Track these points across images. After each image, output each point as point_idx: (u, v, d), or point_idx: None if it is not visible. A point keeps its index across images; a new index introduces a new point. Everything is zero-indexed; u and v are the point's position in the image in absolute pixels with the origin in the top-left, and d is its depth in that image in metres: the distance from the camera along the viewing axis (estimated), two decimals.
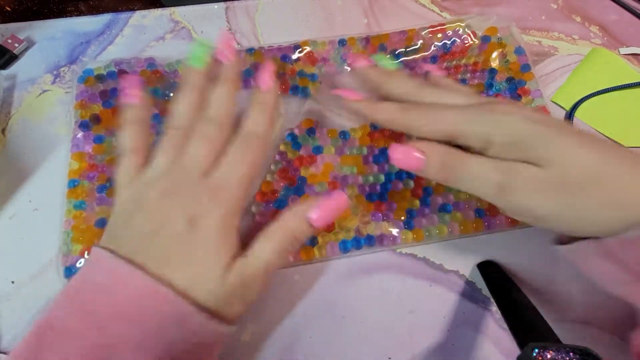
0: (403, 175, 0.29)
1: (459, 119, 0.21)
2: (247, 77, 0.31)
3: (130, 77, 0.25)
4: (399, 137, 0.30)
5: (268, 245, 0.22)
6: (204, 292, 0.20)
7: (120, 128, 0.24)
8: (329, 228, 0.27)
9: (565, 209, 0.19)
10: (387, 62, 0.26)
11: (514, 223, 0.28)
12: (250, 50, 0.32)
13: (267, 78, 0.24)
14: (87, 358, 0.18)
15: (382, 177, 0.29)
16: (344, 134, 0.30)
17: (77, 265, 0.26)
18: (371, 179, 0.29)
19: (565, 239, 0.22)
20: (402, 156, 0.21)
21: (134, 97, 0.24)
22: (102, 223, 0.27)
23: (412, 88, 0.24)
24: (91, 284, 0.20)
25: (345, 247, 0.27)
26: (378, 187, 0.28)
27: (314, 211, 0.22)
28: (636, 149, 0.31)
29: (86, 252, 0.26)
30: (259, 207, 0.28)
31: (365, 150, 0.30)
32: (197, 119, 0.23)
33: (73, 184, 0.28)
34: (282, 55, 0.32)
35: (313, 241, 0.27)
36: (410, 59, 0.32)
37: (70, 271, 0.26)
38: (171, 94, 0.30)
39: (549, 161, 0.19)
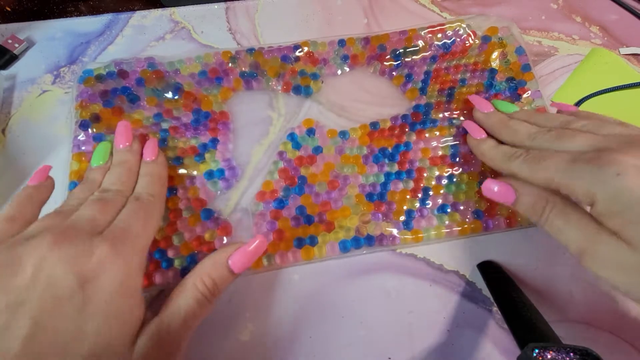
0: (402, 175, 0.29)
1: (561, 174, 0.20)
2: (249, 77, 0.31)
3: (41, 169, 0.24)
4: (400, 136, 0.30)
5: (188, 296, 0.20)
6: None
7: (11, 200, 0.22)
8: (329, 227, 0.27)
9: None
10: (505, 106, 0.27)
11: (512, 224, 0.28)
12: (250, 50, 0.32)
13: (149, 151, 0.26)
14: None
15: (382, 177, 0.29)
16: (343, 134, 0.30)
17: None
18: (371, 178, 0.29)
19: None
20: (496, 190, 0.23)
21: (36, 180, 0.23)
22: None
23: (525, 137, 0.24)
24: None
25: (345, 247, 0.27)
26: (378, 187, 0.28)
27: (233, 257, 0.22)
28: None
29: None
30: (259, 207, 0.28)
31: (365, 150, 0.30)
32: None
33: (74, 186, 0.28)
34: (283, 56, 0.32)
35: (313, 241, 0.27)
36: (410, 60, 0.32)
37: None
38: (169, 93, 0.30)
39: (636, 244, 0.17)
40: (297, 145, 0.29)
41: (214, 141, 0.29)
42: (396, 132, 0.30)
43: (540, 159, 0.21)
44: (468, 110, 0.30)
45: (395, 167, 0.29)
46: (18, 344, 0.15)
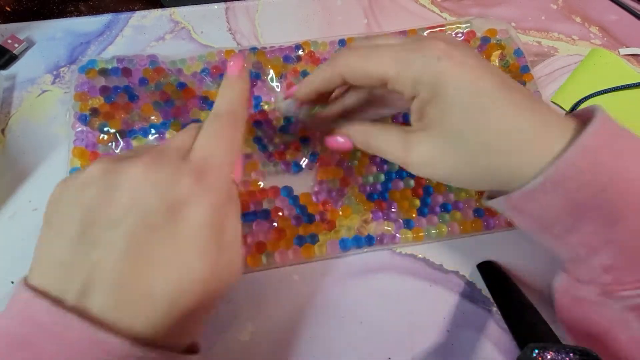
0: (404, 174, 0.29)
1: (394, 60, 0.20)
2: (253, 77, 0.31)
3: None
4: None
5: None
6: (194, 290, 0.16)
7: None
8: (331, 227, 0.27)
9: (453, 173, 0.21)
10: None
11: (512, 223, 0.28)
12: (253, 50, 0.32)
13: (234, 64, 0.23)
14: None
15: (382, 177, 0.29)
16: None
17: None
18: (371, 179, 0.29)
19: (494, 194, 0.23)
20: (339, 140, 0.24)
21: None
22: None
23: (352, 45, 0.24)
24: (8, 339, 0.15)
25: (345, 246, 0.27)
26: (379, 187, 0.29)
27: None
28: None
29: None
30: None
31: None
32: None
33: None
34: (285, 56, 0.32)
35: (314, 239, 0.27)
36: None
37: None
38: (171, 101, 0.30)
39: (448, 129, 0.20)
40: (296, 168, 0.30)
41: None
42: None
43: (372, 49, 0.21)
44: None
45: (396, 166, 0.29)
46: (113, 259, 0.16)
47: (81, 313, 0.15)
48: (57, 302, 0.15)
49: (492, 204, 0.22)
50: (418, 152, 0.21)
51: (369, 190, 0.28)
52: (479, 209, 0.28)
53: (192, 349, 0.18)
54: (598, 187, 0.18)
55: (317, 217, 0.28)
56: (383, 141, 0.23)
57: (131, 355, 0.15)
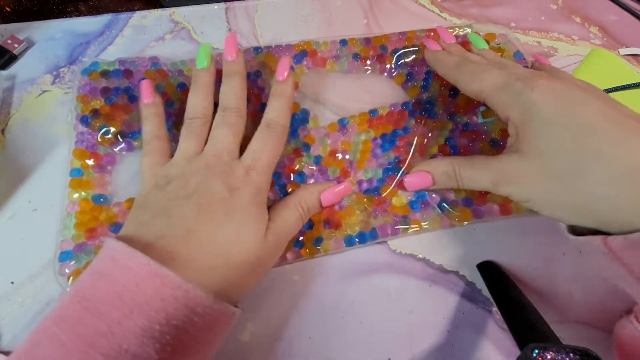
0: (403, 172, 0.29)
1: (494, 85, 0.23)
2: (255, 77, 0.31)
3: (144, 83, 0.28)
4: (398, 122, 0.30)
5: (290, 213, 0.25)
6: (246, 250, 0.21)
7: (143, 123, 0.27)
8: (337, 227, 0.27)
9: (548, 196, 0.21)
10: (477, 41, 0.30)
11: (506, 212, 0.28)
12: (257, 50, 0.32)
13: (282, 70, 0.27)
14: (89, 346, 0.17)
15: (380, 173, 0.29)
16: (342, 121, 0.30)
17: (74, 250, 0.26)
18: (370, 173, 0.29)
19: (578, 229, 0.22)
20: (416, 179, 0.27)
21: (148, 98, 0.27)
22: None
23: (476, 59, 0.27)
24: (92, 273, 0.19)
25: (350, 242, 0.27)
26: (375, 182, 0.29)
27: (325, 193, 0.26)
28: None
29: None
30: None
31: (362, 136, 0.30)
32: (212, 111, 0.27)
33: (76, 172, 0.28)
34: (295, 55, 0.32)
35: (318, 242, 0.27)
36: (411, 58, 0.32)
37: (66, 255, 0.26)
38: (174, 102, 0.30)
39: (540, 151, 0.20)
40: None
41: None
42: (395, 118, 0.30)
43: (482, 70, 0.25)
44: (472, 108, 0.30)
45: (392, 155, 0.29)
46: (193, 215, 0.21)
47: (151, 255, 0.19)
48: (131, 245, 0.19)
49: (581, 242, 0.20)
50: (510, 172, 0.22)
51: (365, 187, 0.29)
52: (467, 198, 0.28)
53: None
54: None
55: (322, 224, 0.28)
56: (468, 168, 0.24)
57: (181, 287, 0.18)
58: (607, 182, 0.18)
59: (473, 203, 0.28)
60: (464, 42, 0.32)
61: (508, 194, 0.22)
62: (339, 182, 0.27)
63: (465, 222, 0.28)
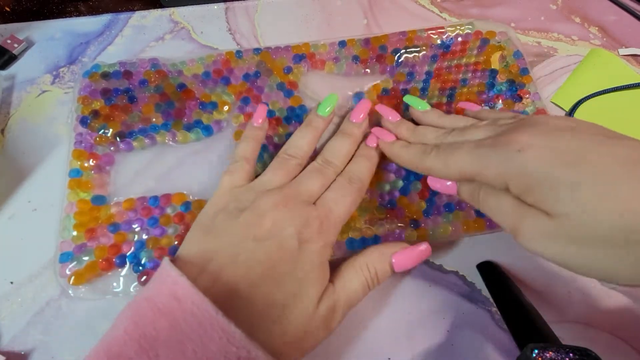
0: (411, 178, 0.29)
1: (471, 163, 0.21)
2: (255, 77, 0.31)
3: (261, 107, 0.28)
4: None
5: (355, 277, 0.23)
6: (300, 313, 0.20)
7: (240, 140, 0.27)
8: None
9: (586, 261, 0.17)
10: (416, 102, 0.29)
11: None
12: (257, 51, 0.32)
13: (374, 138, 0.27)
14: None
15: (400, 182, 0.29)
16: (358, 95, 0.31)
17: (74, 252, 0.26)
18: (387, 187, 0.29)
19: None
20: (439, 185, 0.24)
21: (258, 121, 0.28)
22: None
23: (432, 139, 0.25)
24: (152, 306, 0.18)
25: (352, 247, 0.27)
26: (386, 197, 0.28)
27: (397, 256, 0.24)
28: None
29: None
30: None
31: None
32: (310, 154, 0.27)
33: (75, 173, 0.28)
34: (294, 56, 0.32)
35: None
36: (411, 57, 0.32)
37: (66, 257, 0.26)
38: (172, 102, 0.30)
39: (558, 213, 0.17)
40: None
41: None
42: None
43: (450, 152, 0.22)
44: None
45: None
46: (259, 267, 0.20)
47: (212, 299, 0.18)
48: (191, 268, 0.19)
49: (628, 290, 0.19)
50: (530, 228, 0.19)
51: (379, 198, 0.28)
52: None
53: None
54: None
55: None
56: (495, 200, 0.21)
57: (245, 347, 0.17)
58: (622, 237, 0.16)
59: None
60: (465, 42, 0.33)
61: (529, 249, 0.19)
62: (413, 245, 0.24)
63: (477, 232, 0.28)
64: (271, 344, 0.19)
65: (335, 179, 0.25)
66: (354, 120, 0.28)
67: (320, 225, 0.22)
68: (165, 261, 0.19)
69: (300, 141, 0.27)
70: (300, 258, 0.21)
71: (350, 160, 0.27)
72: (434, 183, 0.24)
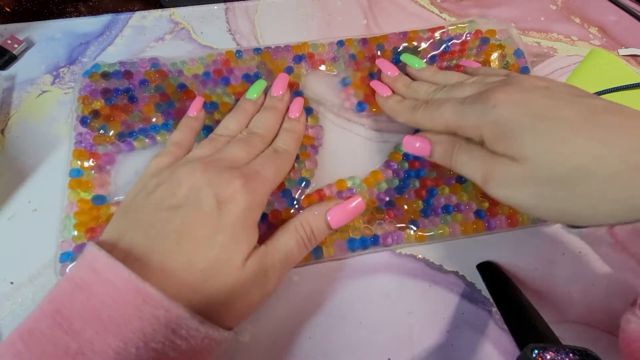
0: (412, 173, 0.29)
1: (453, 116, 0.23)
2: (256, 78, 0.31)
3: (197, 99, 0.29)
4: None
5: (289, 236, 0.23)
6: (223, 276, 0.20)
7: (175, 129, 0.27)
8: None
9: (546, 202, 0.20)
10: (412, 60, 0.31)
11: (513, 224, 0.28)
12: (257, 51, 0.32)
13: (296, 109, 0.29)
14: None
15: (396, 182, 0.29)
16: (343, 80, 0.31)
17: (74, 252, 0.26)
18: (384, 185, 0.29)
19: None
20: (417, 145, 0.25)
21: (194, 112, 0.28)
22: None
23: (425, 94, 0.27)
24: (70, 282, 0.18)
25: (352, 247, 0.27)
26: (385, 198, 0.28)
27: (332, 212, 0.24)
28: None
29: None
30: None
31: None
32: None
33: (75, 173, 0.28)
34: (294, 56, 0.32)
35: (317, 252, 0.27)
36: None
37: (67, 256, 0.26)
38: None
39: (524, 157, 0.20)
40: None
41: None
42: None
43: (436, 107, 0.25)
44: None
45: (406, 165, 0.29)
46: (173, 235, 0.20)
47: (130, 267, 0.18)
48: (112, 253, 0.18)
49: (584, 233, 0.20)
50: (499, 173, 0.21)
51: (377, 197, 0.28)
52: (479, 210, 0.28)
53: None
54: None
55: None
56: (467, 155, 0.23)
57: (163, 306, 0.17)
58: (597, 182, 0.18)
59: (485, 215, 0.28)
60: (464, 42, 0.33)
61: (496, 195, 0.21)
62: (347, 200, 0.25)
63: (475, 234, 0.28)
64: (201, 305, 0.19)
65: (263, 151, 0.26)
66: (275, 94, 0.29)
67: (243, 184, 0.22)
68: (89, 243, 0.19)
69: (229, 122, 0.27)
70: (220, 220, 0.20)
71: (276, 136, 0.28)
72: (408, 146, 0.26)
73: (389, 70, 0.30)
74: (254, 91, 0.29)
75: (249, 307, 0.21)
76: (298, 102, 0.29)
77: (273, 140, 0.27)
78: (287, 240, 0.23)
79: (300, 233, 0.24)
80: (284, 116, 0.29)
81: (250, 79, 0.31)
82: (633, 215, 0.17)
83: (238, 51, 0.32)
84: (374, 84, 0.31)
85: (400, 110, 0.28)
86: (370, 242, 0.27)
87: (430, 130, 0.26)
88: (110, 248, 0.19)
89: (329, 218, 0.24)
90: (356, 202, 0.25)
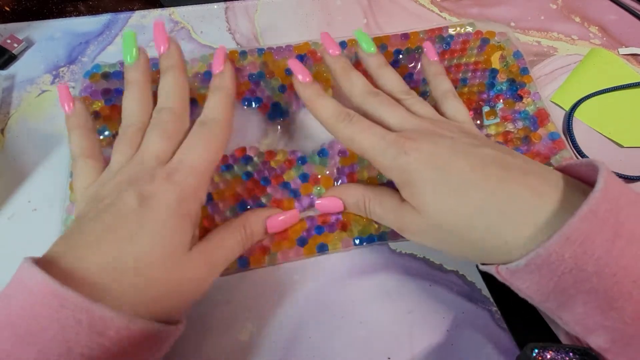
0: None
1: (370, 152, 0.23)
2: (258, 79, 0.31)
3: (60, 88, 0.25)
4: None
5: (231, 234, 0.24)
6: (158, 269, 0.19)
7: (68, 135, 0.24)
8: (344, 227, 0.27)
9: (450, 247, 0.22)
10: (366, 42, 0.27)
11: None
12: (260, 51, 0.32)
13: (218, 62, 0.25)
14: None
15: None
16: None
17: None
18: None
19: None
20: (327, 204, 0.27)
21: (68, 108, 0.24)
22: None
23: (358, 94, 0.25)
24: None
25: (359, 243, 0.27)
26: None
27: (270, 220, 0.26)
28: (635, 148, 0.31)
29: None
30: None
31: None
32: (149, 113, 0.24)
33: None
34: (296, 57, 0.32)
35: (323, 248, 0.27)
36: (411, 57, 0.32)
37: None
38: None
39: (424, 208, 0.21)
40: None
41: None
42: None
43: (359, 130, 0.23)
44: (474, 108, 0.30)
45: None
46: (94, 239, 0.19)
47: (64, 276, 0.17)
48: (41, 263, 0.17)
49: (485, 270, 0.21)
50: (408, 224, 0.23)
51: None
52: None
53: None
54: (584, 275, 0.16)
55: (326, 229, 0.28)
56: (378, 208, 0.25)
57: (83, 308, 0.16)
58: (484, 229, 0.19)
59: None
60: (465, 42, 0.33)
61: (413, 242, 0.24)
62: (284, 212, 0.27)
63: None
64: (133, 301, 0.18)
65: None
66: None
67: (167, 177, 0.20)
68: (24, 259, 0.18)
69: (129, 105, 0.24)
70: (145, 216, 0.19)
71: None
72: (321, 207, 0.27)
73: (330, 48, 0.26)
74: (127, 52, 0.24)
75: (185, 301, 0.21)
76: (220, 53, 0.25)
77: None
78: (229, 239, 0.23)
79: (242, 234, 0.24)
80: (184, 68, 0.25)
81: (252, 79, 0.31)
82: (508, 258, 0.19)
83: (243, 51, 0.32)
84: (324, 38, 0.27)
85: (322, 112, 0.24)
86: (376, 239, 0.27)
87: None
88: (44, 264, 0.18)
89: (267, 223, 0.26)
90: (290, 214, 0.27)
